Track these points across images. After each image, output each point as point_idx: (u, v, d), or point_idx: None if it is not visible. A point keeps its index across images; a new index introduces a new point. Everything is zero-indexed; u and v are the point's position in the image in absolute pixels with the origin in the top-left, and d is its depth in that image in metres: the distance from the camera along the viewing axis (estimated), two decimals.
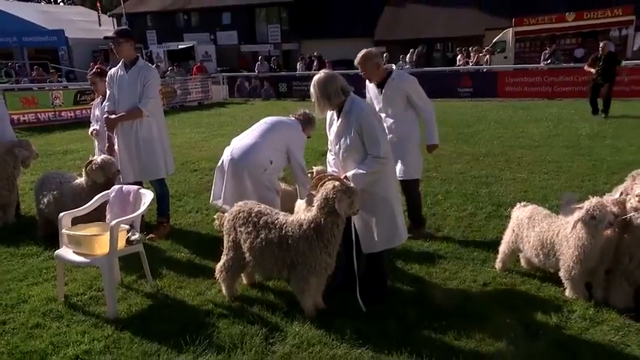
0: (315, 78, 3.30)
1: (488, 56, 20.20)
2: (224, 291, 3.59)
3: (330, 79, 3.26)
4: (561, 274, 3.43)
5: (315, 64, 21.63)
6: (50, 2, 48.17)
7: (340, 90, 3.26)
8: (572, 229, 3.26)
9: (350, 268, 3.43)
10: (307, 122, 4.34)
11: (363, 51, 4.31)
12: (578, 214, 3.22)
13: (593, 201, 3.19)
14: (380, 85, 4.42)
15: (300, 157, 4.17)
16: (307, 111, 4.34)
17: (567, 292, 3.45)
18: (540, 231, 3.52)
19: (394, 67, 4.62)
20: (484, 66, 18.96)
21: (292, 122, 4.31)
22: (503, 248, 3.88)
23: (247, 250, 3.35)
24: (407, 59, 22.17)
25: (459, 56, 21.47)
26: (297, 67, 22.64)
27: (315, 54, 22.75)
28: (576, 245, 3.26)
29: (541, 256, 3.53)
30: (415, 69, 19.07)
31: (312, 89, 3.31)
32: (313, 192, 3.30)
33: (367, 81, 4.54)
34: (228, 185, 4.12)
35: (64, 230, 3.55)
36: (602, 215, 3.12)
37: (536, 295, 3.53)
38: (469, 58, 20.43)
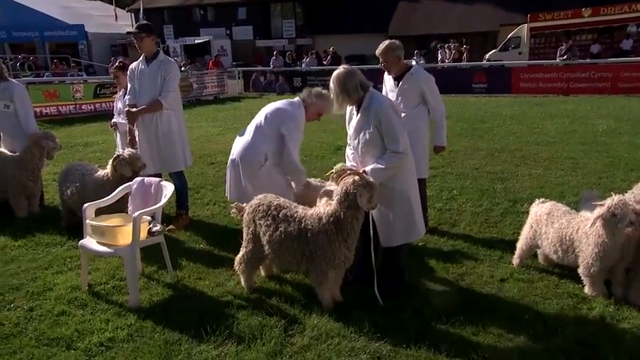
0: (335, 73, 3.33)
1: (466, 53, 20.16)
2: (243, 282, 3.65)
3: (349, 75, 3.28)
4: (580, 271, 3.42)
5: (328, 59, 21.50)
6: None
7: (359, 85, 3.28)
8: (591, 225, 3.25)
9: (367, 262, 3.46)
10: (311, 101, 4.11)
11: (387, 42, 4.32)
12: (598, 211, 3.21)
13: (615, 198, 3.17)
14: (397, 79, 4.44)
15: (291, 144, 3.93)
16: (318, 89, 4.17)
17: (586, 289, 3.44)
18: (559, 227, 3.51)
19: (414, 62, 4.62)
20: (503, 61, 18.83)
21: (290, 105, 4.13)
22: (520, 244, 3.88)
23: (266, 243, 3.39)
24: (446, 55, 21.93)
25: (439, 51, 21.25)
26: (307, 61, 21.83)
27: (330, 49, 22.62)
28: (596, 242, 3.24)
29: (560, 252, 3.52)
30: (429, 65, 18.96)
31: (331, 84, 3.33)
32: (333, 184, 3.34)
33: (385, 74, 4.56)
34: (231, 184, 4.22)
35: (88, 221, 3.62)
36: (623, 213, 3.09)
37: (554, 291, 3.52)
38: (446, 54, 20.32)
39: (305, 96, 4.13)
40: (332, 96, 3.36)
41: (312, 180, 4.59)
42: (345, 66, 3.42)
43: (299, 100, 4.14)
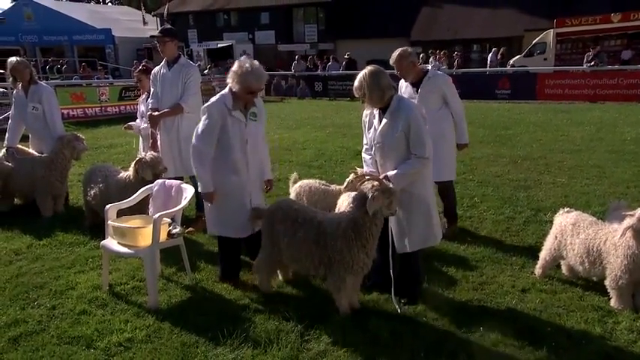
0: (367, 71, 3.26)
1: (457, 60, 19.85)
2: (260, 286, 3.65)
3: (382, 72, 3.27)
4: (607, 283, 3.32)
5: (343, 64, 21.48)
6: (99, 2, 50.10)
7: (391, 84, 3.28)
8: (621, 236, 3.15)
9: (385, 269, 3.43)
10: (230, 81, 3.47)
11: (399, 50, 4.34)
12: (628, 221, 3.11)
13: None
14: (415, 84, 4.44)
15: (199, 125, 3.51)
16: (237, 63, 3.47)
17: (613, 302, 3.33)
18: (586, 238, 3.41)
19: (429, 67, 4.62)
20: (528, 67, 18.56)
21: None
22: (544, 254, 3.78)
23: (284, 247, 3.39)
24: (489, 57, 21.39)
25: (431, 58, 20.89)
26: (329, 65, 21.47)
27: (346, 55, 22.59)
28: (625, 254, 3.14)
29: (586, 264, 3.41)
30: (451, 70, 18.77)
31: (362, 82, 3.24)
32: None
33: (401, 81, 4.58)
34: None
35: (109, 222, 3.69)
36: None
37: (578, 303, 3.42)
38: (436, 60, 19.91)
39: (232, 74, 3.47)
40: (360, 93, 3.27)
41: (314, 181, 4.58)
42: (374, 65, 3.38)
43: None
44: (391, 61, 4.35)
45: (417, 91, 4.42)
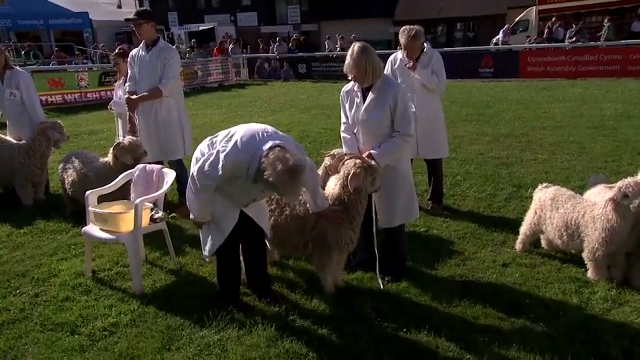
0: (362, 47, 3.21)
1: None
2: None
3: (372, 49, 3.28)
4: (585, 255, 3.40)
5: (292, 45, 21.52)
6: None
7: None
8: (603, 208, 3.22)
9: (369, 247, 3.47)
10: (272, 180, 2.52)
11: (416, 29, 4.38)
12: (610, 193, 3.18)
13: (625, 180, 3.15)
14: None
15: (207, 159, 2.80)
16: (284, 168, 2.48)
17: (589, 274, 3.42)
18: (565, 212, 3.48)
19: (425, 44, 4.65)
20: (510, 45, 18.53)
21: (255, 143, 2.77)
22: (524, 229, 3.85)
23: (270, 228, 3.38)
24: (501, 35, 20.86)
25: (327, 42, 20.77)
26: (275, 47, 21.11)
27: (294, 36, 22.45)
28: (604, 227, 3.21)
29: (565, 237, 3.49)
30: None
31: (363, 60, 3.16)
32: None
33: (392, 56, 4.64)
34: None
35: (90, 208, 3.65)
36: (635, 193, 3.05)
37: (556, 275, 3.51)
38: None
39: (269, 169, 2.52)
40: (360, 71, 3.20)
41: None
42: (362, 42, 3.33)
43: (263, 152, 2.64)
44: (404, 40, 4.38)
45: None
